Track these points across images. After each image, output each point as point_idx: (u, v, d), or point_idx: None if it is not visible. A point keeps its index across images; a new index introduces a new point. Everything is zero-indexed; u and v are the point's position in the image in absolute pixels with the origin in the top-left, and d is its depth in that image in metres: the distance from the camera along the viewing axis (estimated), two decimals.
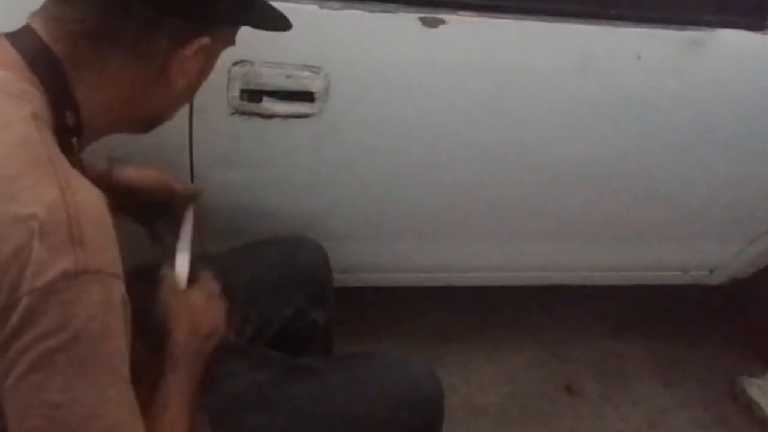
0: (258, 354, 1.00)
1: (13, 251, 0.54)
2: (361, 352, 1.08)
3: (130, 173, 0.98)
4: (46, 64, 0.66)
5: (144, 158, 1.03)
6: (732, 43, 1.20)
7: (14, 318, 0.54)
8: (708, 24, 1.18)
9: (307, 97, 1.09)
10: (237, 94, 1.07)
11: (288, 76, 1.07)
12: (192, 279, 0.88)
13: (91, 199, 0.60)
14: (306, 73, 1.07)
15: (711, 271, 1.70)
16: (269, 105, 1.09)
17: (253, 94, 1.08)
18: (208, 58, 0.75)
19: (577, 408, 1.69)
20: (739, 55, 1.22)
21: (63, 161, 0.61)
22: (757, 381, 1.75)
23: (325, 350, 1.21)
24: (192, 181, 1.17)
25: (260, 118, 1.10)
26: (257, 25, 0.79)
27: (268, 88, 1.07)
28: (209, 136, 1.12)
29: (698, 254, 1.64)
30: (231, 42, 0.78)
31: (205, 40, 0.70)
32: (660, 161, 1.34)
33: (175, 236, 0.96)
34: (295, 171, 1.21)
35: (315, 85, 1.08)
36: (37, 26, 0.67)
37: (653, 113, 1.25)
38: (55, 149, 0.62)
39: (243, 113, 1.10)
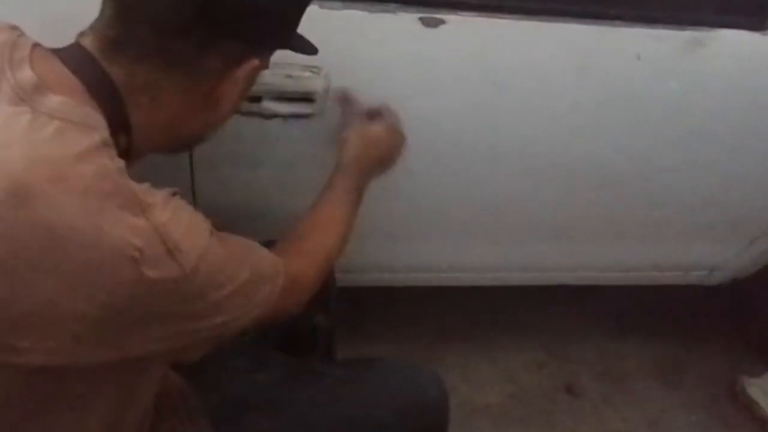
0: (259, 354, 1.00)
1: (127, 282, 0.58)
2: (366, 357, 1.08)
3: None
4: (103, 86, 0.65)
5: (144, 159, 1.02)
6: (732, 43, 1.20)
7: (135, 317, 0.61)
8: (708, 24, 1.18)
9: (307, 97, 1.09)
10: None
11: (288, 77, 1.07)
12: (373, 116, 1.01)
13: (171, 206, 0.63)
14: (306, 74, 1.07)
15: (711, 271, 1.70)
16: (269, 105, 1.09)
17: (253, 94, 1.08)
18: (252, 80, 0.75)
19: (577, 408, 1.69)
20: (739, 55, 1.22)
21: (134, 184, 0.62)
22: (757, 381, 1.75)
23: (326, 351, 1.21)
24: (192, 180, 1.17)
25: (260, 118, 1.10)
26: (298, 49, 0.81)
27: (268, 88, 1.07)
28: (209, 136, 1.12)
29: (698, 254, 1.64)
30: (267, 64, 0.78)
31: (255, 62, 0.71)
32: (660, 161, 1.34)
33: None
34: (295, 171, 1.21)
35: (315, 86, 1.08)
36: (90, 47, 0.66)
37: (653, 113, 1.25)
38: (125, 173, 0.62)
39: (243, 113, 1.10)
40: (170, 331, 0.64)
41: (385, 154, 1.01)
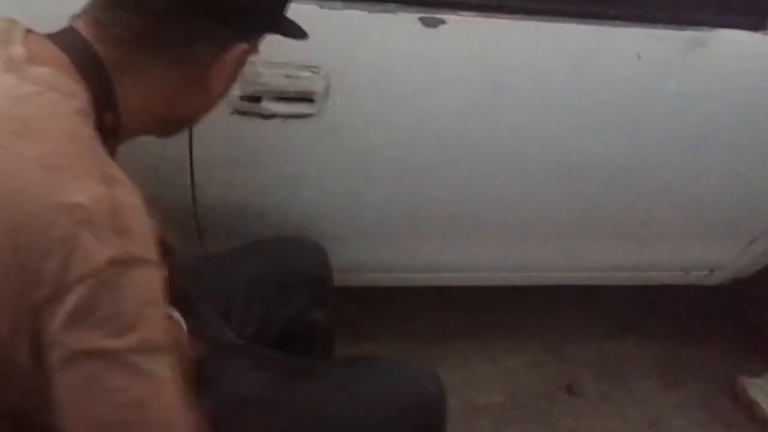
0: (258, 354, 1.00)
1: (58, 238, 0.55)
2: (363, 355, 1.08)
3: None
4: (91, 64, 0.66)
5: (144, 159, 1.02)
6: (732, 43, 1.20)
7: (68, 306, 0.55)
8: (708, 24, 1.18)
9: (307, 97, 1.09)
10: (237, 93, 1.07)
11: (288, 76, 1.07)
12: None
13: (132, 192, 0.61)
14: (306, 74, 1.07)
15: (711, 271, 1.70)
16: (269, 105, 1.09)
17: (253, 94, 1.08)
18: (240, 65, 0.76)
19: (577, 408, 1.69)
20: (739, 55, 1.22)
21: (106, 156, 0.62)
22: (757, 381, 1.75)
23: (325, 350, 1.21)
24: (192, 180, 1.17)
25: (260, 118, 1.10)
26: (287, 33, 0.81)
27: (268, 88, 1.07)
28: (209, 136, 1.12)
29: (698, 254, 1.64)
30: (257, 49, 0.79)
31: (244, 46, 0.72)
32: (660, 161, 1.34)
33: None
34: (295, 171, 1.21)
35: (315, 86, 1.08)
36: (81, 28, 0.67)
37: (653, 113, 1.25)
38: (99, 144, 0.63)
39: (243, 113, 1.10)
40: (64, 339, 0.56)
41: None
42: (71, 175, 0.58)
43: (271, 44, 0.96)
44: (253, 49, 0.77)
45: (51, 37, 0.67)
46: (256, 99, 1.08)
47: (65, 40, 0.67)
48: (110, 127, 0.68)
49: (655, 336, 1.92)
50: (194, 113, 0.79)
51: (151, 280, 0.60)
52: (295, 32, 0.83)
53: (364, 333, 1.69)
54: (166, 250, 0.88)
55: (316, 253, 1.18)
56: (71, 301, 0.55)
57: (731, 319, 1.98)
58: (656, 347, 1.89)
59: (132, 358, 0.57)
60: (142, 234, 0.60)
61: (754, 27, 1.20)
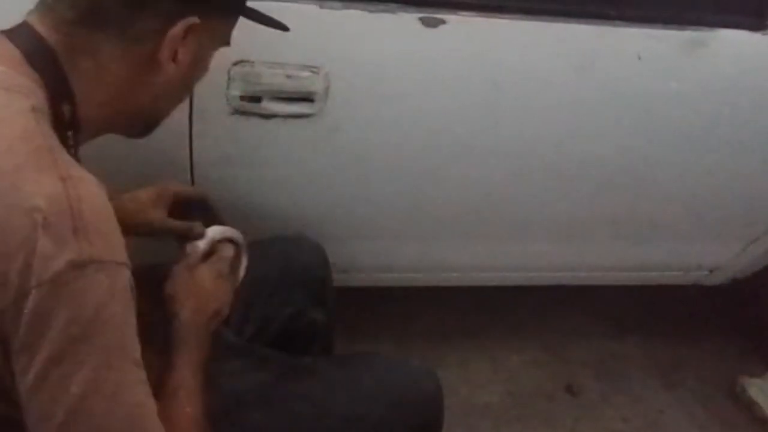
0: (258, 354, 1.00)
1: (18, 243, 0.55)
2: (361, 353, 1.08)
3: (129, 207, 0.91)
4: (42, 56, 0.66)
5: (144, 159, 1.03)
6: (732, 43, 1.20)
7: (26, 312, 0.55)
8: (708, 24, 1.18)
9: (307, 97, 1.09)
10: (237, 94, 1.07)
11: (288, 76, 1.07)
12: (209, 255, 0.89)
13: (92, 189, 0.60)
14: (306, 73, 1.07)
15: (711, 271, 1.70)
16: (269, 105, 1.09)
17: (253, 94, 1.08)
18: (201, 47, 0.74)
19: (577, 408, 1.69)
20: (739, 55, 1.22)
21: (63, 153, 0.62)
22: (757, 381, 1.75)
23: (325, 350, 1.21)
24: (192, 181, 1.17)
25: (260, 118, 1.10)
26: (248, 15, 0.79)
27: (268, 88, 1.07)
28: (209, 136, 1.12)
29: (698, 254, 1.64)
30: (225, 40, 0.78)
31: (193, 19, 0.69)
32: (660, 161, 1.34)
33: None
34: (295, 171, 1.21)
35: (315, 86, 1.08)
36: (34, 21, 0.67)
37: (653, 113, 1.25)
38: (55, 141, 0.62)
39: (243, 113, 1.10)
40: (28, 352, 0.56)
41: (219, 305, 0.85)
42: (26, 177, 0.57)
43: (271, 44, 0.96)
44: (218, 34, 0.76)
45: (5, 33, 0.67)
46: (256, 99, 1.08)
47: (18, 35, 0.67)
48: (68, 119, 0.67)
49: (655, 336, 1.92)
50: (154, 100, 0.76)
51: (113, 282, 0.58)
52: (268, 21, 0.81)
53: (364, 333, 1.69)
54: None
55: (316, 253, 1.18)
56: (29, 306, 0.54)
57: (731, 319, 1.98)
58: (656, 347, 1.89)
59: (91, 364, 0.56)
60: (104, 232, 0.59)
61: (754, 27, 1.20)
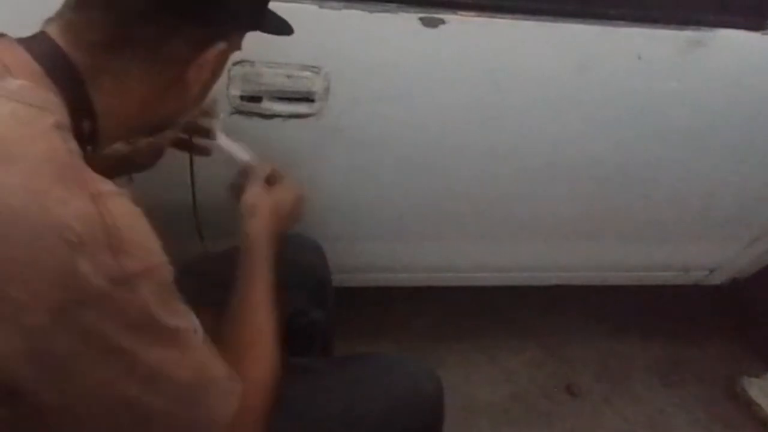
0: None
1: (55, 267, 0.54)
2: (361, 353, 1.08)
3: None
4: (64, 72, 0.64)
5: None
6: (732, 43, 1.20)
7: (76, 329, 0.55)
8: (708, 24, 1.18)
9: (307, 97, 1.09)
10: (237, 93, 1.07)
11: (288, 77, 1.07)
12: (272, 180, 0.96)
13: (122, 201, 0.60)
14: (306, 73, 1.07)
15: (711, 271, 1.70)
16: (269, 105, 1.09)
17: (254, 94, 1.08)
18: (222, 63, 0.75)
19: (577, 408, 1.69)
20: (739, 55, 1.22)
21: (88, 170, 0.60)
22: (757, 381, 1.75)
23: (325, 350, 1.21)
24: (192, 181, 1.17)
25: (260, 118, 1.10)
26: (269, 30, 0.79)
27: (268, 88, 1.07)
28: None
29: (698, 254, 1.64)
30: (239, 47, 0.78)
31: (222, 45, 0.70)
32: (660, 161, 1.34)
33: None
34: (295, 171, 1.21)
35: (315, 86, 1.08)
36: (54, 33, 0.66)
37: (653, 113, 1.25)
38: (80, 158, 0.61)
39: (243, 113, 1.10)
40: (98, 366, 0.58)
41: (292, 215, 0.97)
42: (55, 198, 0.56)
43: (271, 44, 0.96)
44: (234, 48, 0.76)
45: (22, 43, 0.65)
46: (256, 99, 1.08)
47: (38, 47, 0.65)
48: (88, 135, 0.66)
49: (655, 336, 1.92)
50: (174, 114, 0.77)
51: (157, 282, 0.60)
52: (281, 29, 0.81)
53: (364, 333, 1.69)
54: None
55: (316, 253, 1.17)
56: (77, 324, 0.55)
57: (731, 319, 1.98)
58: (656, 347, 1.90)
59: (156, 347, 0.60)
60: (140, 242, 0.59)
61: (754, 27, 1.20)
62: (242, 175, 0.95)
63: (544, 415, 1.65)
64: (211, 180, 1.19)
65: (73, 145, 0.61)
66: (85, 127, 0.66)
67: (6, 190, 0.55)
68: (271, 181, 0.95)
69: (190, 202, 1.08)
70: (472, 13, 1.10)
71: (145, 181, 0.94)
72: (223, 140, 0.97)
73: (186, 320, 0.64)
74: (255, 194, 0.91)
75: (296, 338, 1.12)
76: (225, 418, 0.67)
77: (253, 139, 1.14)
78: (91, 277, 0.54)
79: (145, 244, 0.60)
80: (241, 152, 0.98)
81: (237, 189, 0.93)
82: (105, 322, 0.56)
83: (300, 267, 1.13)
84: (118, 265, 0.56)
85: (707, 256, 1.65)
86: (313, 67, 1.07)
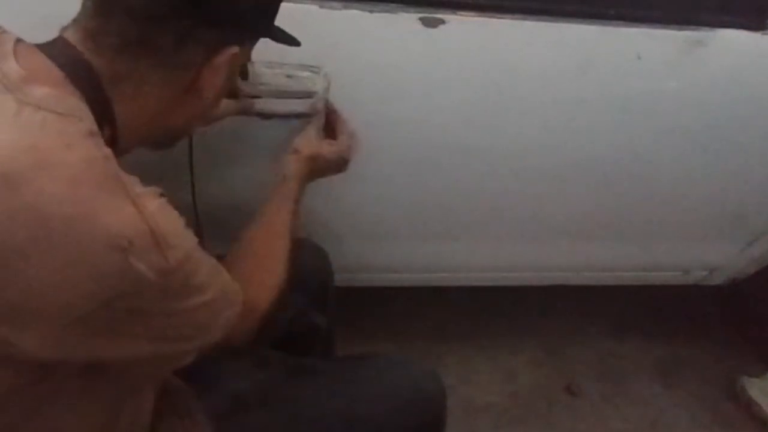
0: (259, 354, 1.00)
1: (112, 273, 0.58)
2: (363, 353, 1.08)
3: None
4: (87, 80, 0.65)
5: (144, 158, 1.02)
6: (732, 43, 1.20)
7: (122, 309, 0.61)
8: (708, 24, 1.18)
9: (307, 97, 1.09)
10: None
11: (288, 76, 1.07)
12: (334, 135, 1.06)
13: (158, 200, 0.63)
14: (306, 73, 1.07)
15: (711, 271, 1.70)
16: (269, 105, 1.09)
17: (253, 94, 1.08)
18: (234, 69, 0.76)
19: (577, 408, 1.69)
20: (739, 55, 1.22)
21: (124, 173, 0.62)
22: (757, 381, 1.75)
23: (326, 351, 1.21)
24: (192, 181, 1.17)
25: (260, 118, 1.10)
26: (279, 39, 0.80)
27: (268, 87, 1.07)
28: (209, 136, 1.12)
29: (698, 254, 1.64)
30: (249, 53, 0.79)
31: (234, 49, 0.71)
32: (660, 161, 1.34)
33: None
34: None
35: (315, 86, 1.08)
36: (73, 40, 0.66)
37: (653, 113, 1.25)
38: (115, 163, 0.62)
39: (243, 113, 1.10)
40: (151, 332, 0.65)
41: (325, 174, 1.06)
42: (100, 206, 0.57)
43: (271, 44, 0.96)
44: (246, 53, 0.77)
45: (42, 48, 0.66)
46: (256, 98, 1.08)
47: (59, 53, 0.65)
48: (107, 140, 0.67)
49: (655, 336, 1.92)
50: (188, 122, 0.79)
51: (194, 262, 0.66)
52: (287, 39, 0.83)
53: (364, 333, 1.69)
54: None
55: (317, 254, 1.17)
56: (125, 306, 0.60)
57: (731, 319, 1.98)
58: (656, 347, 1.90)
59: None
60: (176, 232, 0.64)
61: (754, 27, 1.20)
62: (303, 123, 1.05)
63: (544, 415, 1.65)
64: (211, 180, 1.19)
65: (107, 151, 0.62)
66: (105, 133, 0.67)
67: (54, 198, 0.56)
68: (328, 132, 1.06)
69: (191, 202, 1.08)
70: (472, 13, 1.10)
71: (144, 181, 0.94)
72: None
73: (207, 263, 0.70)
74: (305, 136, 1.02)
75: (297, 340, 1.12)
76: (222, 330, 0.72)
77: (253, 138, 1.14)
78: (146, 273, 0.59)
79: (180, 231, 0.64)
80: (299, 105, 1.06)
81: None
82: (153, 303, 0.63)
83: (300, 268, 1.13)
84: (165, 259, 0.60)
85: (707, 257, 1.65)
86: (313, 67, 1.07)
